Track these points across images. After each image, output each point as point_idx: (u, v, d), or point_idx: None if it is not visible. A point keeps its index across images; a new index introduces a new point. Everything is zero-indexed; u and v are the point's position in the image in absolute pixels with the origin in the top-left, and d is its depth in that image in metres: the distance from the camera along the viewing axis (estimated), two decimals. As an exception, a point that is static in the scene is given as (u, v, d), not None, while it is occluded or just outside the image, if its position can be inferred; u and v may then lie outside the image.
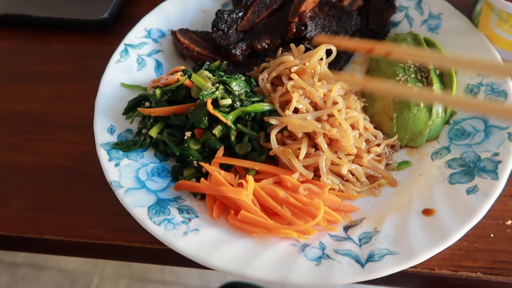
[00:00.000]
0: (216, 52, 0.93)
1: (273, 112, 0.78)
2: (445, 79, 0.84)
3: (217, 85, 0.75)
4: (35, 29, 1.08)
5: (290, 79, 0.81)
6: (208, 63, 0.88)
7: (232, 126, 0.74)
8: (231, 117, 0.74)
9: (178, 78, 0.79)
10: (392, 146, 0.80)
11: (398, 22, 0.98)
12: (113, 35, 1.05)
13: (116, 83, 0.87)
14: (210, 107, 0.72)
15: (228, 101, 0.74)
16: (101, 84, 0.86)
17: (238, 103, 0.76)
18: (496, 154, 0.72)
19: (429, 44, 0.90)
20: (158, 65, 0.93)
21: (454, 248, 0.67)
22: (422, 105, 0.79)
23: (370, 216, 0.71)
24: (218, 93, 0.74)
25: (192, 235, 0.67)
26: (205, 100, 0.73)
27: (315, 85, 0.79)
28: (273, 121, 0.75)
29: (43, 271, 1.91)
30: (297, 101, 0.76)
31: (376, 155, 0.78)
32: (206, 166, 0.73)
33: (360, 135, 0.77)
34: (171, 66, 0.93)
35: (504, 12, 0.82)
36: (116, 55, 0.90)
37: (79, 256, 0.82)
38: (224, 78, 0.79)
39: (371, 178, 0.76)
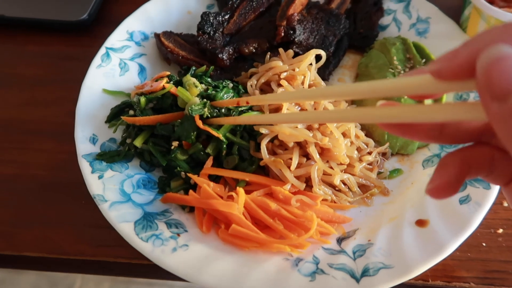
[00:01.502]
0: (202, 56, 0.89)
1: (263, 120, 0.76)
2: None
3: (204, 100, 0.72)
4: (8, 30, 1.03)
5: (279, 85, 0.78)
6: (194, 68, 0.85)
7: (224, 140, 0.71)
8: (222, 132, 0.71)
9: (164, 86, 0.75)
10: (384, 154, 0.79)
11: (387, 25, 0.97)
12: (92, 36, 1.00)
13: (97, 89, 0.83)
14: (199, 123, 0.69)
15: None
16: (81, 90, 0.82)
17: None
18: (487, 163, 0.71)
19: (418, 48, 0.89)
20: (142, 69, 0.89)
21: (447, 258, 0.66)
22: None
23: (363, 227, 0.70)
24: (206, 110, 0.71)
25: (182, 251, 0.64)
26: (194, 115, 0.70)
27: (305, 92, 0.77)
28: (263, 130, 0.73)
29: (22, 275, 1.84)
30: (287, 109, 0.74)
31: (368, 164, 0.76)
32: (194, 177, 0.70)
33: (352, 143, 0.76)
34: (155, 70, 0.90)
35: (493, 18, 0.82)
36: (97, 59, 0.86)
37: (61, 271, 0.78)
38: (210, 91, 0.75)
39: (363, 188, 0.75)
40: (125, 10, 0.98)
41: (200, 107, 0.70)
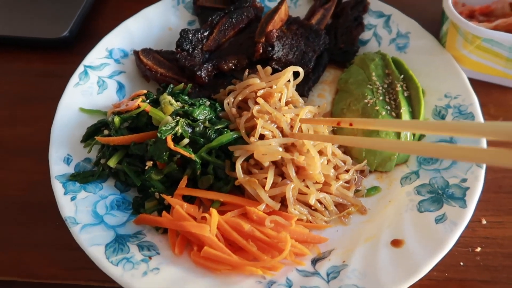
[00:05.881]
0: (181, 73, 0.89)
1: (239, 139, 0.75)
2: (413, 101, 0.83)
3: (178, 118, 0.72)
4: (-10, 48, 1.03)
5: (256, 103, 0.78)
6: (172, 85, 0.84)
7: (198, 160, 0.70)
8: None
9: (139, 105, 0.75)
10: (362, 172, 0.78)
11: (367, 40, 0.96)
12: (74, 53, 1.00)
13: (74, 107, 0.82)
14: (170, 144, 0.68)
15: (186, 141, 0.71)
16: (57, 109, 0.81)
17: (202, 141, 0.72)
18: (464, 180, 0.71)
19: (397, 64, 0.89)
20: (120, 87, 0.89)
21: (424, 278, 0.65)
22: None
23: (339, 247, 0.69)
24: (178, 129, 0.70)
25: (152, 275, 0.63)
26: (164, 137, 0.69)
27: (281, 110, 0.77)
28: (237, 152, 0.72)
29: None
30: (263, 127, 0.73)
31: (345, 182, 0.76)
32: (168, 198, 0.69)
33: (329, 161, 0.75)
34: (134, 87, 0.89)
35: (470, 34, 0.82)
36: (74, 78, 0.86)
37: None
38: (187, 108, 0.75)
39: (340, 206, 0.74)
40: (107, 26, 0.98)
41: (171, 126, 0.70)
